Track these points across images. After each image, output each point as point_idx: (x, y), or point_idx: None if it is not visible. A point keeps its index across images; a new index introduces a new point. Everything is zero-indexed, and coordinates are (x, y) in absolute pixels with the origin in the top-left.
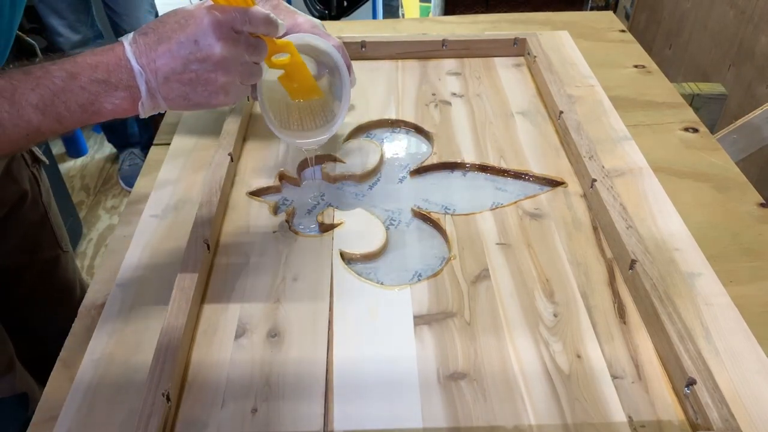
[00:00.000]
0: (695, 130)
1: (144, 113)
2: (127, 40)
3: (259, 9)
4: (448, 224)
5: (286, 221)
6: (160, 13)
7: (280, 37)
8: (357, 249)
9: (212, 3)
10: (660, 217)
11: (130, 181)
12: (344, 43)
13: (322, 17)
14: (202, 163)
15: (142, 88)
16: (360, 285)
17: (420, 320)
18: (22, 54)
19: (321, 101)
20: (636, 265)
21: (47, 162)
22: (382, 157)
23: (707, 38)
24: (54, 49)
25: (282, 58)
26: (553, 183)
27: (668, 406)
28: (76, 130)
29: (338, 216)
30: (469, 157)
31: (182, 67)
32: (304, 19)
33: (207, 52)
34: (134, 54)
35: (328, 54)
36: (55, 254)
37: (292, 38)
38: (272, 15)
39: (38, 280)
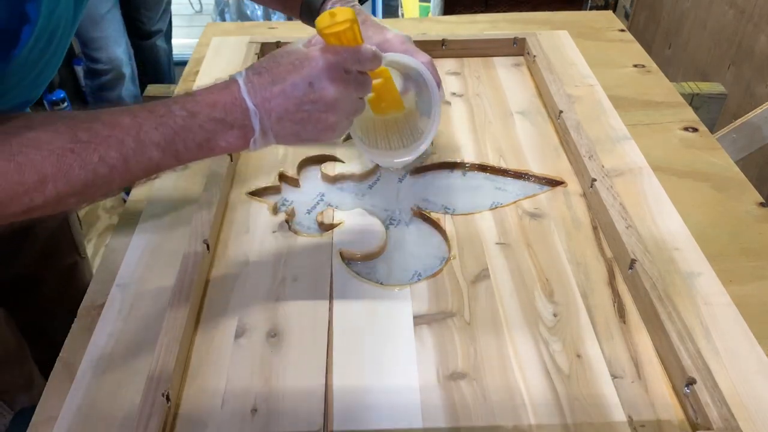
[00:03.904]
0: (695, 130)
1: (254, 149)
2: (241, 78)
3: (368, 47)
4: (447, 224)
5: (286, 221)
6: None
7: None
8: (357, 249)
9: (326, 45)
10: (659, 217)
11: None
12: None
13: None
14: (202, 164)
15: (256, 127)
16: (360, 285)
17: (420, 320)
18: None
19: (407, 118)
20: (636, 265)
21: None
22: None
23: (707, 38)
24: None
25: (376, 81)
26: (553, 183)
27: (668, 406)
28: None
29: (338, 216)
30: (469, 156)
31: (295, 107)
32: (393, 35)
33: (320, 94)
34: (249, 94)
35: (418, 72)
36: (74, 261)
37: (385, 57)
38: (378, 51)
39: (57, 288)
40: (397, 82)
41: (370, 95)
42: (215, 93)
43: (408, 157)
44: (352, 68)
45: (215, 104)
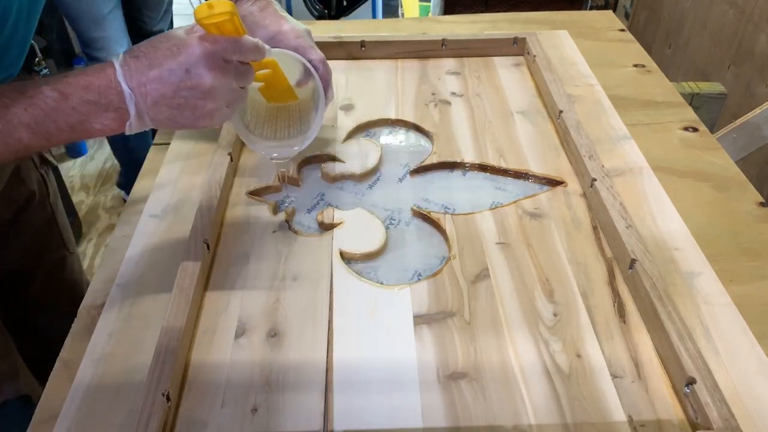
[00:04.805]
0: (695, 130)
1: (130, 132)
2: (117, 61)
3: (249, 39)
4: (447, 224)
5: (286, 221)
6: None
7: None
8: (357, 248)
9: (205, 33)
10: (659, 217)
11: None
12: (343, 43)
13: (321, 17)
14: (202, 163)
15: (131, 110)
16: (360, 284)
17: (420, 320)
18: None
19: (300, 111)
20: (636, 265)
21: (56, 164)
22: (381, 156)
23: (707, 37)
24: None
25: (263, 72)
26: (553, 182)
27: (668, 406)
28: None
29: (338, 215)
30: (469, 156)
31: (172, 93)
32: (290, 27)
33: (197, 81)
34: (125, 77)
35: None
36: (62, 256)
37: (275, 54)
38: (260, 42)
39: (45, 283)
40: (298, 73)
41: (260, 84)
42: (90, 75)
43: (290, 149)
44: (232, 58)
45: (89, 86)
